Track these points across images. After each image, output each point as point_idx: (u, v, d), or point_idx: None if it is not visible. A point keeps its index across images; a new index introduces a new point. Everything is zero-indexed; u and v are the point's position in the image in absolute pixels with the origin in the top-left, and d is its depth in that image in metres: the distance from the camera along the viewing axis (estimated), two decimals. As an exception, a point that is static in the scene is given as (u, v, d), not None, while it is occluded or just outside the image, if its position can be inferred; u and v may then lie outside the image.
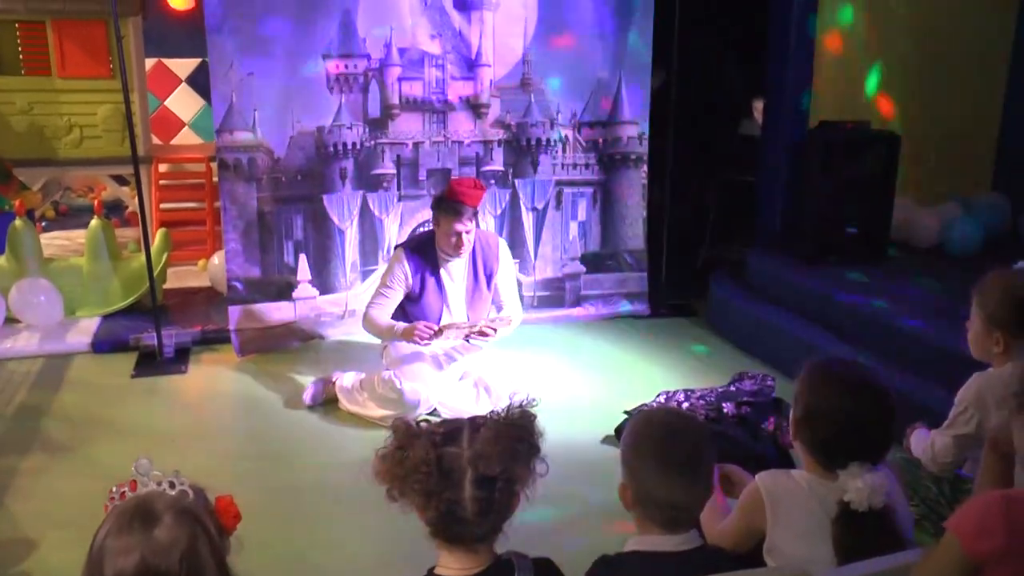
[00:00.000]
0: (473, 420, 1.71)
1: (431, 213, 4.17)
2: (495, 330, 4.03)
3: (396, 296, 4.10)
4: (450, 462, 1.64)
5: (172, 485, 1.52)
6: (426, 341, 3.95)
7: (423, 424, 1.71)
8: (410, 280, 4.08)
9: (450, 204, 3.97)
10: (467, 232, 4.00)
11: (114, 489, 1.63)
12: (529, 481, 1.69)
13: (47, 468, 3.62)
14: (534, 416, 1.74)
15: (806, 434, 2.05)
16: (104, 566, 1.34)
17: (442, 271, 4.12)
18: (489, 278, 4.20)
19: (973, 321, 2.78)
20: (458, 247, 4.02)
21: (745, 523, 2.09)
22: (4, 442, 3.85)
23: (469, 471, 1.63)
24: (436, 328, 3.95)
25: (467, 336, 4.07)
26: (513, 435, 1.66)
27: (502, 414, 1.72)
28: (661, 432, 1.86)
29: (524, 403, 1.77)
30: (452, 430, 1.68)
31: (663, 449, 1.83)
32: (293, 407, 4.21)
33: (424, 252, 4.10)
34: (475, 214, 4.04)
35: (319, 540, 3.11)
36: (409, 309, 4.13)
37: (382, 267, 5.13)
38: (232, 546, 1.52)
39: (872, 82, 5.82)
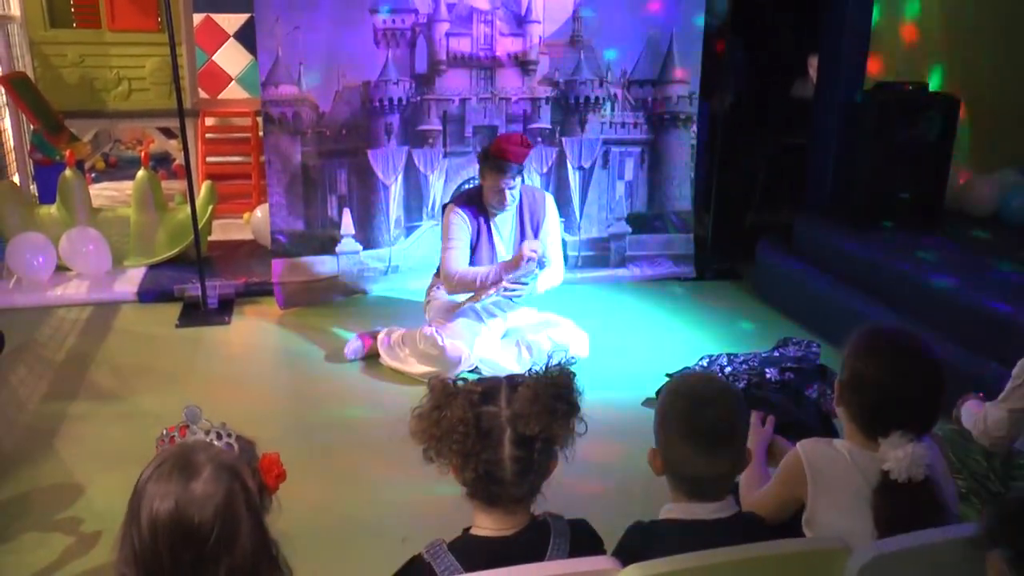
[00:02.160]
0: (511, 379, 1.69)
1: (477, 166, 4.12)
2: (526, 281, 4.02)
3: (466, 246, 4.03)
4: (488, 422, 1.62)
5: (219, 436, 1.52)
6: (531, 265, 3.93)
7: (460, 383, 1.69)
8: (470, 229, 4.04)
9: (495, 161, 3.93)
10: (511, 189, 3.97)
11: (164, 432, 1.66)
12: (568, 441, 1.67)
13: (94, 414, 3.69)
14: (573, 374, 1.71)
15: (850, 400, 2.01)
16: (142, 506, 1.37)
17: (491, 224, 4.10)
18: (536, 231, 4.17)
19: None
20: (502, 202, 3.99)
21: (784, 492, 2.05)
22: (54, 387, 3.93)
23: (508, 431, 1.61)
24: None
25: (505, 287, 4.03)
26: (552, 394, 1.64)
27: (541, 372, 1.70)
28: (687, 404, 1.82)
29: (563, 361, 1.74)
30: (490, 389, 1.66)
31: (688, 421, 1.79)
32: (334, 361, 4.23)
33: (473, 206, 4.07)
34: (521, 171, 4.00)
35: (356, 495, 3.13)
36: None
37: (426, 223, 5.13)
38: (273, 506, 1.51)
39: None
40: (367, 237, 5.04)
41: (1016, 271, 4.22)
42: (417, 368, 4.01)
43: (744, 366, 3.93)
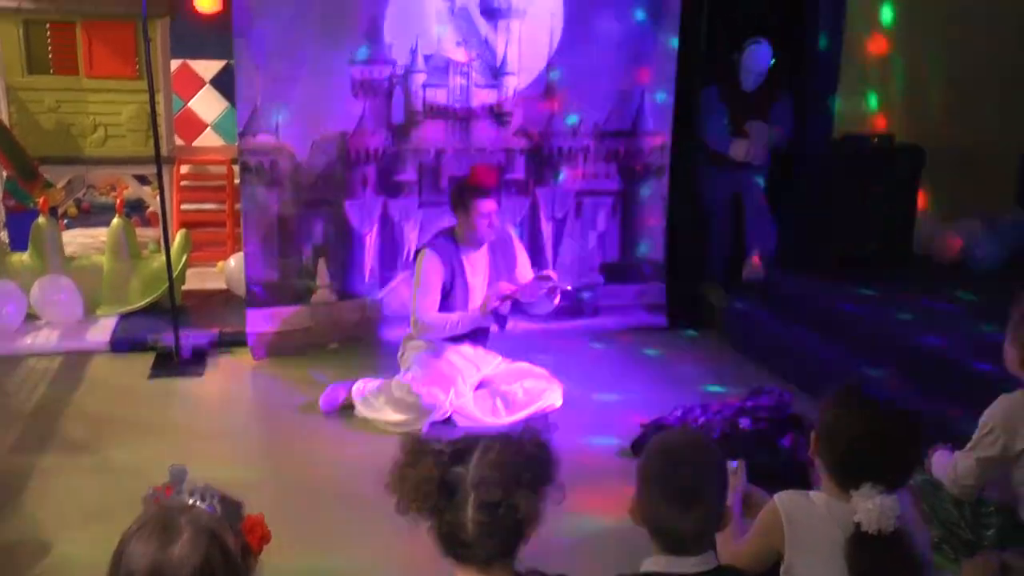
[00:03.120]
0: (487, 441, 1.69)
1: (453, 206, 4.13)
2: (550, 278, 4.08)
3: (437, 293, 4.07)
4: (453, 483, 1.62)
5: (203, 498, 1.53)
6: (500, 303, 4.00)
7: (433, 441, 1.69)
8: (444, 275, 4.07)
9: (477, 189, 4.01)
10: (497, 211, 4.09)
11: (150, 491, 1.66)
12: (534, 509, 1.66)
13: (64, 467, 3.63)
14: (546, 443, 1.71)
15: (825, 451, 2.05)
16: (120, 565, 1.39)
17: (465, 264, 4.13)
18: (510, 269, 4.22)
19: (1012, 340, 2.74)
20: (492, 226, 4.06)
21: (762, 544, 2.08)
22: (23, 439, 3.88)
23: (472, 494, 1.61)
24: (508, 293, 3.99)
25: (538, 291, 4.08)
26: (520, 462, 1.64)
27: (514, 438, 1.70)
28: (663, 461, 1.86)
29: (540, 427, 1.75)
30: (460, 449, 1.66)
31: (663, 478, 1.82)
32: (309, 412, 4.21)
33: (447, 248, 4.11)
34: (499, 192, 4.24)
35: (333, 549, 3.11)
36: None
37: (402, 274, 5.15)
38: (257, 568, 1.51)
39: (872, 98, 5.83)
40: (343, 287, 5.05)
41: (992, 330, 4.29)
42: (392, 416, 4.00)
43: (718, 416, 3.94)
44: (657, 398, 4.33)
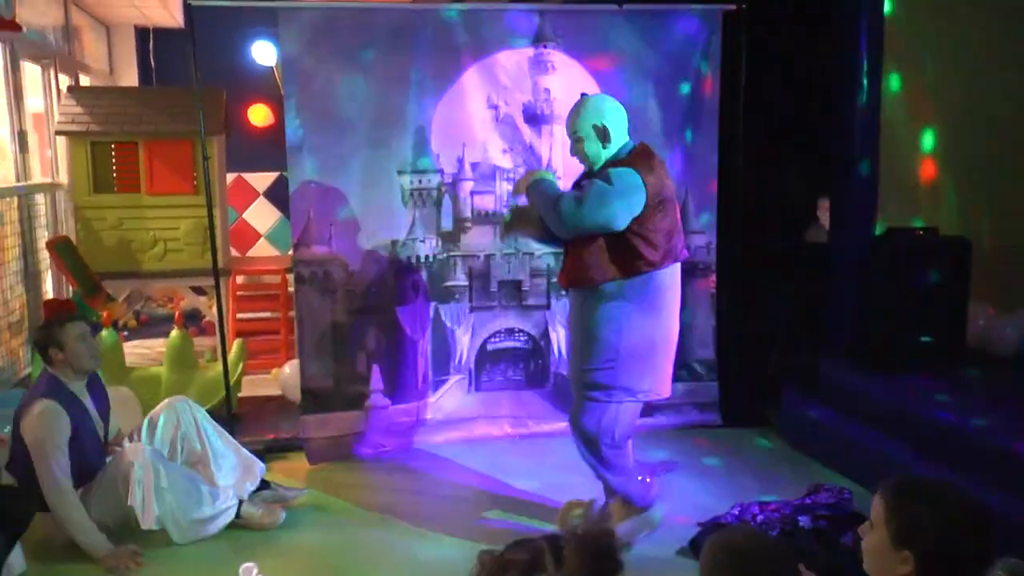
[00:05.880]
0: (551, 540, 1.69)
1: (45, 349, 3.77)
2: None
3: (66, 455, 3.72)
4: None
5: None
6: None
7: (505, 552, 1.70)
8: (69, 427, 3.73)
9: (63, 317, 3.87)
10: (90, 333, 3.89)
11: None
12: None
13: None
14: (613, 531, 1.73)
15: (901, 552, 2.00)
16: None
17: (82, 402, 3.88)
18: (106, 403, 4.11)
19: None
20: (93, 349, 3.88)
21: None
22: (65, 553, 3.83)
23: None
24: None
25: None
26: (598, 554, 1.65)
27: (580, 532, 1.70)
28: (733, 560, 1.85)
29: (602, 518, 1.76)
30: (534, 555, 1.66)
31: None
32: (362, 516, 4.22)
33: (63, 396, 3.78)
34: None
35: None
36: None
37: (454, 377, 5.20)
38: None
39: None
40: (396, 392, 5.10)
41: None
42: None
43: (776, 514, 3.89)
44: (714, 497, 4.29)
